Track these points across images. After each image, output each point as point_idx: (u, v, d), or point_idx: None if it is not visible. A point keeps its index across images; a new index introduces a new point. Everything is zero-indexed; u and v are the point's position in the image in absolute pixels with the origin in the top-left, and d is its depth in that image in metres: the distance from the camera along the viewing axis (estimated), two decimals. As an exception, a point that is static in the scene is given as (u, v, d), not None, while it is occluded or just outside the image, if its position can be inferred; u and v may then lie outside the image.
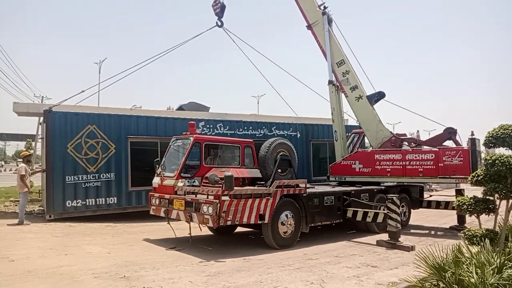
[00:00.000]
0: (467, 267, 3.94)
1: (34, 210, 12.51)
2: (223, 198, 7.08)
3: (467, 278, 3.73)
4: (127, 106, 14.66)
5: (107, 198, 11.25)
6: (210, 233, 9.40)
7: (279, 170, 8.49)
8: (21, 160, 11.31)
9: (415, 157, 10.22)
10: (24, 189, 10.46)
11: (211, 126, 13.05)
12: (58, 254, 6.98)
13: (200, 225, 7.72)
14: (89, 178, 11.02)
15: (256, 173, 8.74)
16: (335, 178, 11.67)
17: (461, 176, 9.50)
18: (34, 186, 14.55)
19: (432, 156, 9.99)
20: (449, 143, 10.76)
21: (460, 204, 5.60)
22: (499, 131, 5.32)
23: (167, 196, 8.06)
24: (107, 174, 11.27)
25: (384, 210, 8.51)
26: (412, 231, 10.11)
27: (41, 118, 12.81)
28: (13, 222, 10.20)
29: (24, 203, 10.62)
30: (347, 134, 12.86)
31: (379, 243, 8.17)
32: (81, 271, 5.83)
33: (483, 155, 9.19)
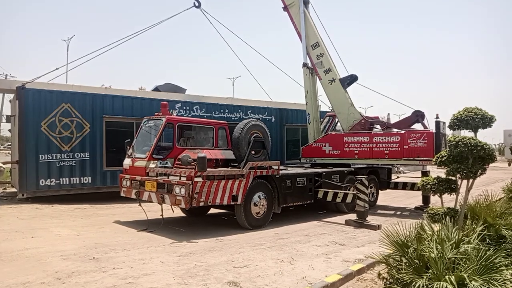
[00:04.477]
0: (428, 243, 4.14)
1: (-2, 193, 12.07)
2: (196, 179, 7.05)
3: (427, 253, 3.92)
4: (95, 85, 14.27)
5: (82, 178, 11.15)
6: (183, 214, 9.39)
7: (253, 152, 8.53)
8: None
9: (382, 139, 10.54)
10: None
11: (188, 108, 12.97)
12: (24, 237, 6.78)
13: (173, 206, 7.70)
14: (63, 157, 10.88)
15: (229, 154, 8.73)
16: (307, 160, 11.88)
17: (424, 158, 9.88)
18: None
19: (397, 138, 10.32)
20: (420, 126, 11.10)
21: (425, 184, 5.84)
22: (463, 113, 5.53)
23: (138, 178, 7.94)
24: (81, 154, 11.15)
25: (353, 190, 8.76)
26: (379, 211, 10.49)
27: (5, 96, 12.33)
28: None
29: None
30: (321, 119, 13.05)
31: (347, 223, 8.44)
32: (48, 253, 5.70)
33: (449, 137, 9.55)
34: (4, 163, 11.67)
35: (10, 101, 12.99)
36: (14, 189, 12.44)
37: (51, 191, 10.80)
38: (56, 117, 10.80)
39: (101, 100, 11.58)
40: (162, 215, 7.74)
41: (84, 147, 11.21)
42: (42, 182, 10.60)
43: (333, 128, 13.35)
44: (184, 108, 12.85)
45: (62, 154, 10.87)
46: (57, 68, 11.80)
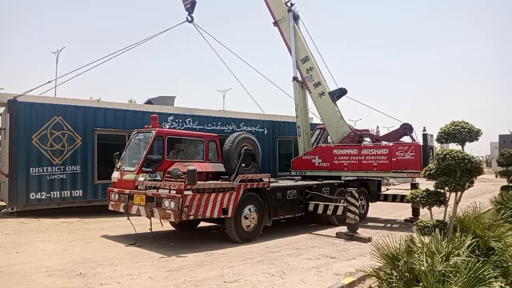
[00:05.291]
0: (418, 256, 4.15)
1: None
2: (186, 192, 6.98)
3: (418, 266, 3.93)
4: (84, 96, 14.30)
5: (73, 191, 11.03)
6: (172, 228, 9.27)
7: (243, 165, 8.50)
8: None
9: (370, 152, 10.64)
10: None
11: (180, 120, 12.97)
12: (8, 253, 6.61)
13: (162, 220, 7.58)
14: (54, 170, 10.77)
15: (220, 167, 8.69)
16: (297, 173, 11.90)
17: (412, 171, 9.98)
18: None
19: (385, 151, 10.42)
20: (409, 139, 11.21)
21: (414, 196, 5.88)
22: (450, 127, 5.61)
23: (127, 191, 7.84)
24: (73, 167, 11.05)
25: (343, 203, 8.77)
26: (369, 223, 10.50)
27: None
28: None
29: None
30: (311, 131, 13.14)
31: (338, 235, 8.42)
32: (33, 269, 5.56)
33: (437, 150, 9.66)
34: None
35: (0, 114, 12.82)
36: (2, 203, 12.15)
37: (41, 204, 10.63)
38: (47, 130, 10.73)
39: (93, 113, 11.54)
40: (151, 229, 7.62)
41: (76, 160, 11.11)
42: (33, 196, 10.44)
43: (324, 141, 13.44)
44: (177, 120, 12.84)
45: (53, 167, 10.75)
46: (49, 81, 11.82)
